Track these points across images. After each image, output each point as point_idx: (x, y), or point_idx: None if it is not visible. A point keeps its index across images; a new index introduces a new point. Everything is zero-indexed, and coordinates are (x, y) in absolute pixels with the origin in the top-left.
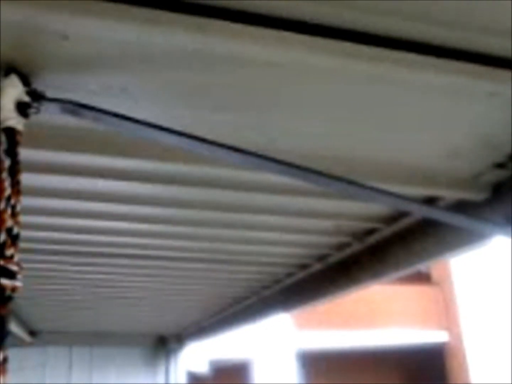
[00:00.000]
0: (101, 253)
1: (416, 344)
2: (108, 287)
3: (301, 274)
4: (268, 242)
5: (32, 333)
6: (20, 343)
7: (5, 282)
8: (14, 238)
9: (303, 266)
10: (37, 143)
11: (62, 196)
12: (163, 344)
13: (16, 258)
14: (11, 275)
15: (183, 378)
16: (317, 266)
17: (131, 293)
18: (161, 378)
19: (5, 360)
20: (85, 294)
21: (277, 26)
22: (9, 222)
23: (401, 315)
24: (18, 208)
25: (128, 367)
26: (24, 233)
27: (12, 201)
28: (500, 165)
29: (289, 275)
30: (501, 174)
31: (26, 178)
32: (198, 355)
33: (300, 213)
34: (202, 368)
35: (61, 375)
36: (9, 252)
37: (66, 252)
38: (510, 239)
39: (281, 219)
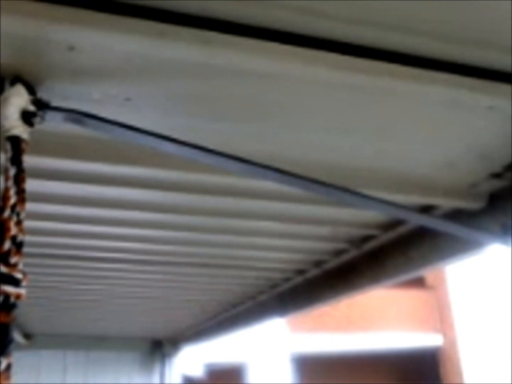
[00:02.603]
0: (98, 258)
1: (410, 347)
2: (104, 291)
3: (297, 279)
4: (265, 248)
5: (27, 336)
6: (14, 346)
7: (10, 289)
8: (18, 246)
9: (300, 272)
10: (41, 151)
11: (61, 202)
12: (159, 348)
13: (20, 266)
14: (16, 282)
15: (178, 381)
16: (314, 272)
17: (127, 298)
18: (156, 381)
19: (9, 366)
20: (80, 298)
21: (277, 39)
22: (13, 230)
23: (396, 318)
24: (23, 216)
25: (123, 371)
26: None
27: (17, 209)
28: (496, 175)
29: (285, 280)
30: (497, 184)
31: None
32: (193, 358)
33: (297, 219)
34: (197, 371)
35: (55, 378)
36: (13, 260)
37: (63, 257)
38: (506, 248)
39: (278, 225)
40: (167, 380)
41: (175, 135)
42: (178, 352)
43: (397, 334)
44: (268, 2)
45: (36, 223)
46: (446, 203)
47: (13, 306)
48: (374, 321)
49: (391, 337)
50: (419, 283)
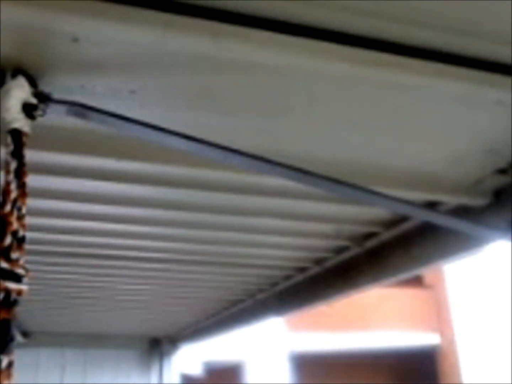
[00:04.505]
0: (97, 255)
1: (408, 346)
2: (103, 289)
3: (298, 277)
4: (266, 245)
5: (25, 334)
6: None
7: (11, 285)
8: (19, 241)
9: (301, 269)
10: (42, 145)
11: (60, 197)
12: (157, 346)
13: (22, 261)
14: (17, 278)
15: (176, 379)
16: (315, 269)
17: (126, 295)
18: (154, 379)
19: (10, 364)
20: (79, 295)
21: (286, 31)
22: (15, 225)
23: (394, 317)
24: (24, 210)
25: (121, 369)
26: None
27: (18, 204)
28: (501, 171)
29: (286, 278)
30: (502, 179)
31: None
32: (191, 357)
33: (299, 217)
34: (196, 369)
35: (54, 377)
36: (15, 255)
37: (61, 254)
38: (511, 244)
39: (279, 222)
40: (165, 379)
41: (179, 129)
42: (176, 350)
43: (395, 333)
44: None
45: (33, 219)
46: (451, 199)
47: (14, 303)
48: (372, 320)
49: (389, 336)
50: (417, 282)
